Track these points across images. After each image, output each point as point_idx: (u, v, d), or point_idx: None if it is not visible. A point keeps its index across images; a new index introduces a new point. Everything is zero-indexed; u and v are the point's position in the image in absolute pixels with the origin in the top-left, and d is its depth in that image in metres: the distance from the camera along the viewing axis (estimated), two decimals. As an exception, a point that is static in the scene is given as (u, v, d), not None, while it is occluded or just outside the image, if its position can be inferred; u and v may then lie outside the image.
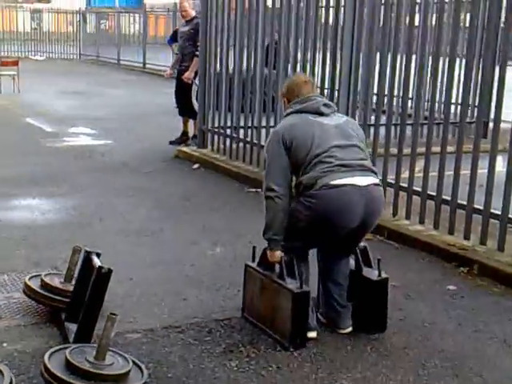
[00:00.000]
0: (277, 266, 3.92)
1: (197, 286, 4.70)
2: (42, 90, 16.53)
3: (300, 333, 3.81)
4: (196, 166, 8.38)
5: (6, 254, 5.18)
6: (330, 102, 4.03)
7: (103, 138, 10.30)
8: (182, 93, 9.57)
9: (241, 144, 8.24)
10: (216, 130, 8.70)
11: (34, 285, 4.16)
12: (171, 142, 9.59)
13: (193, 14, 9.58)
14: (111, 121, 11.93)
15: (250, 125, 8.13)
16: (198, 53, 9.03)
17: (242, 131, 8.26)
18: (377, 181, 3.82)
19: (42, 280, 4.18)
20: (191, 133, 9.65)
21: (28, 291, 4.16)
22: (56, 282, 4.20)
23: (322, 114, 3.85)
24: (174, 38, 11.68)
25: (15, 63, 16.17)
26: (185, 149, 9.01)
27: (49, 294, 4.09)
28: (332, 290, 4.04)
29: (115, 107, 13.80)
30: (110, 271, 3.60)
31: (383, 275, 4.01)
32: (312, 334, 3.93)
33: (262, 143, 7.66)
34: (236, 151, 8.29)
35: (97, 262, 3.74)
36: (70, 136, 10.47)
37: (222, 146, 8.59)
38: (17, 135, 10.32)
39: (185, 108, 9.64)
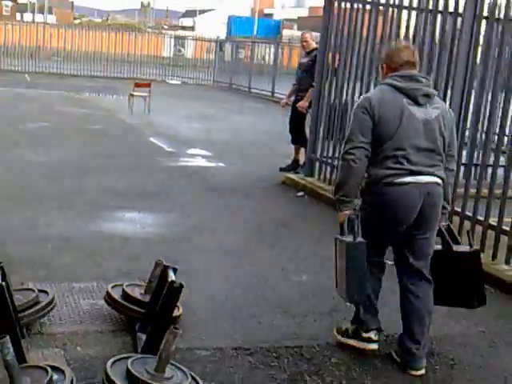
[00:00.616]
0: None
1: (274, 310, 4.69)
2: (170, 112, 17.23)
3: (355, 287, 3.87)
4: (300, 193, 8.40)
5: (101, 262, 5.42)
6: (431, 90, 3.92)
7: (217, 161, 10.56)
8: (296, 122, 9.67)
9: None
10: (324, 159, 8.69)
11: (116, 294, 4.32)
12: (281, 169, 9.68)
13: (313, 45, 9.67)
14: (228, 145, 12.22)
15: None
16: (314, 84, 9.08)
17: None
18: (438, 180, 3.86)
19: (123, 290, 4.33)
20: (302, 161, 9.69)
21: (109, 299, 4.32)
22: (136, 292, 4.33)
23: (417, 103, 3.82)
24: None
25: (147, 85, 16.99)
26: (292, 176, 9.07)
27: (127, 303, 4.23)
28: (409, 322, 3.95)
29: (236, 132, 14.14)
30: (181, 286, 3.67)
31: (474, 247, 4.04)
32: (372, 346, 4.02)
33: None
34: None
35: (171, 276, 3.82)
36: (187, 156, 10.82)
37: (328, 175, 8.55)
38: (138, 152, 10.79)
39: (297, 136, 9.71)
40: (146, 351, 3.67)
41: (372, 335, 4.06)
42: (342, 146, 3.98)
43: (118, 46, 32.14)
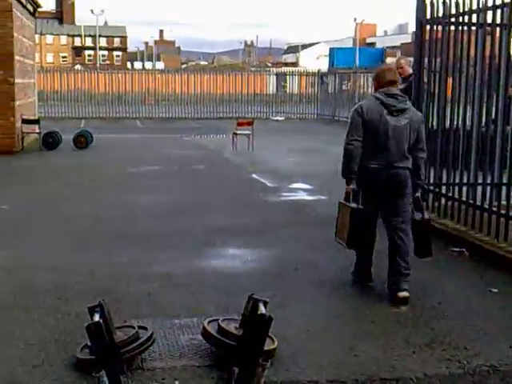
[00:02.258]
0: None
1: (372, 342, 4.62)
2: (273, 148, 17.48)
3: (354, 238, 5.52)
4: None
5: (201, 298, 5.55)
6: (403, 106, 5.41)
7: (318, 194, 10.60)
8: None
9: (450, 202, 7.97)
10: (426, 186, 8.50)
11: (212, 329, 4.41)
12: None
13: (410, 71, 9.56)
14: (330, 177, 12.11)
15: (461, 182, 7.85)
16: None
17: (450, 188, 8.00)
18: (400, 165, 5.42)
19: (218, 324, 4.42)
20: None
21: (205, 334, 4.41)
22: (231, 327, 4.41)
23: (392, 114, 5.38)
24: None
25: (250, 123, 17.33)
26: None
27: (223, 338, 4.30)
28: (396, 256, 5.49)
29: (337, 164, 14.04)
30: (270, 319, 3.71)
31: (426, 217, 5.67)
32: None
33: (478, 203, 7.41)
34: (444, 208, 8.03)
35: (262, 309, 3.86)
36: (288, 191, 10.93)
37: (431, 203, 8.36)
38: (240, 189, 11.01)
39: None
40: (239, 385, 3.72)
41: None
42: (345, 138, 5.50)
43: (223, 86, 33.05)
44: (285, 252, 7.10)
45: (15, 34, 15.75)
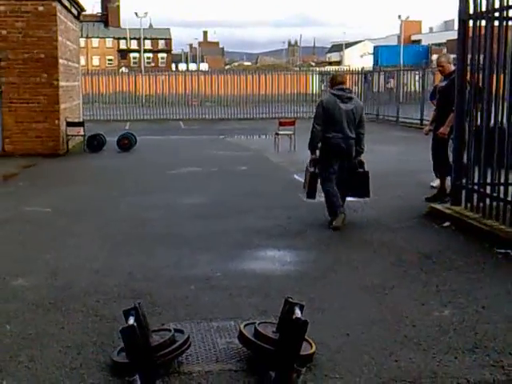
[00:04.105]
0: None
1: (413, 347, 4.51)
2: (316, 148, 17.30)
3: (310, 192, 8.41)
4: (446, 223, 8.07)
5: (238, 301, 5.50)
6: (350, 95, 8.19)
7: (361, 194, 10.43)
8: (438, 149, 9.37)
9: (495, 202, 7.76)
10: (470, 186, 8.31)
11: (248, 332, 4.35)
12: (427, 199, 9.38)
13: (451, 68, 9.39)
14: (375, 177, 11.99)
15: (506, 181, 7.64)
16: (454, 108, 8.76)
17: (497, 188, 7.79)
18: (352, 136, 8.08)
19: (255, 328, 4.36)
20: (449, 190, 9.33)
21: (242, 338, 4.36)
22: (268, 331, 4.35)
23: (343, 101, 8.01)
24: (434, 95, 11.47)
25: (292, 123, 17.24)
26: (437, 206, 8.74)
27: (259, 342, 4.24)
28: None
29: (381, 163, 13.82)
30: (305, 323, 3.64)
31: (366, 170, 8.43)
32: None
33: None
34: (489, 209, 7.83)
35: (297, 313, 3.80)
36: (330, 191, 10.78)
37: (475, 203, 8.16)
38: (281, 190, 10.95)
39: (441, 164, 9.40)
40: (275, 390, 3.66)
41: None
42: (311, 123, 8.21)
43: (266, 86, 32.97)
44: (324, 254, 7.01)
45: (59, 38, 16.00)
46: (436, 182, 10.07)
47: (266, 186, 11.40)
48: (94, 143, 17.35)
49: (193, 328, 4.86)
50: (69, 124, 16.98)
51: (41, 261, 6.83)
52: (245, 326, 4.45)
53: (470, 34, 8.34)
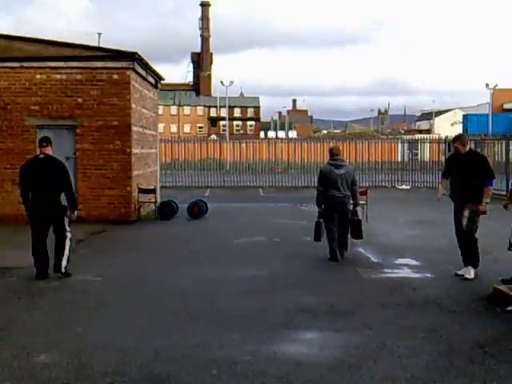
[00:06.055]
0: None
1: None
2: (390, 219, 16.77)
3: (316, 235, 10.93)
4: (510, 308, 7.33)
5: (259, 391, 5.03)
6: (342, 162, 11.06)
7: (423, 271, 9.82)
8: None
9: None
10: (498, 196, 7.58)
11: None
12: (504, 281, 8.52)
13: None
14: (442, 252, 11.34)
15: None
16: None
17: None
18: (346, 194, 10.78)
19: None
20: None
21: None
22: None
23: (336, 168, 10.71)
24: None
25: (364, 193, 16.68)
26: (502, 287, 7.99)
27: None
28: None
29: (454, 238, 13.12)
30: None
31: (360, 218, 11.38)
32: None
33: None
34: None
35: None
36: (392, 267, 10.19)
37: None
38: (342, 264, 10.45)
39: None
40: None
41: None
42: (316, 187, 11.24)
43: (350, 154, 32.41)
44: (369, 339, 6.42)
45: (133, 105, 16.28)
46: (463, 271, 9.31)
47: (325, 259, 10.85)
48: (166, 210, 17.37)
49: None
50: (141, 191, 17.10)
51: (71, 334, 6.61)
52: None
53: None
